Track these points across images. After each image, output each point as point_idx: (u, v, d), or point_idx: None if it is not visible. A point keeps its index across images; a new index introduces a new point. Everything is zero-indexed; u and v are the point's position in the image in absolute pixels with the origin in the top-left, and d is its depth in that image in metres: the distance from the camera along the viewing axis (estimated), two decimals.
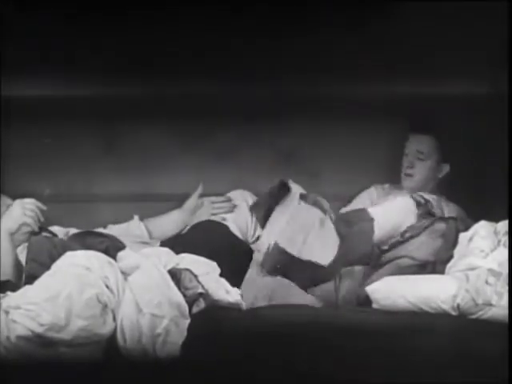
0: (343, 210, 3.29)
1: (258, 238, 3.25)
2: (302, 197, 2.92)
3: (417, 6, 3.00)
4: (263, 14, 3.03)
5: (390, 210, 3.01)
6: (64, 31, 3.03)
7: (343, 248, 2.86)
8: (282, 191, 2.91)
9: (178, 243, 3.02)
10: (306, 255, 2.83)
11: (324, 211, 2.87)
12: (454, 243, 2.84)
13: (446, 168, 3.32)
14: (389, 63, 3.21)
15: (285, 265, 2.83)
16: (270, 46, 3.15)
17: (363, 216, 2.99)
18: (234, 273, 2.74)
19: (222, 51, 3.16)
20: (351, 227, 2.94)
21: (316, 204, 2.90)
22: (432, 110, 3.35)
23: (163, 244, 3.15)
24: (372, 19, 3.05)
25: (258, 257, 2.90)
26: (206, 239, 3.07)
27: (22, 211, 2.86)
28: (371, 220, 2.96)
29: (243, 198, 3.39)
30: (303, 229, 2.85)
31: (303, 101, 3.41)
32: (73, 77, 3.23)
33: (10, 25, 2.91)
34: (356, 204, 3.42)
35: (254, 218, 3.30)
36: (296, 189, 2.93)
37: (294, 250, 2.83)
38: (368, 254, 2.91)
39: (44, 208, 2.89)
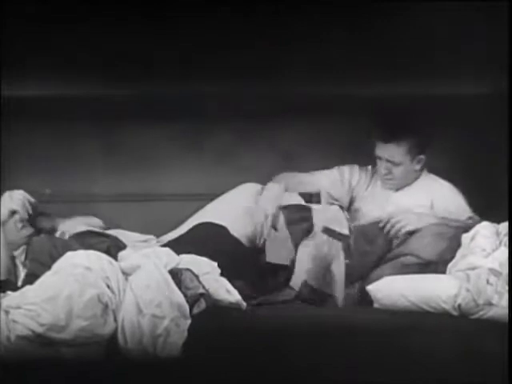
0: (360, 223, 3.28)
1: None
2: (325, 230, 2.98)
3: (417, 6, 3.00)
4: (263, 14, 3.03)
5: None
6: (64, 31, 3.02)
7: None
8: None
9: (176, 245, 3.01)
10: (328, 290, 2.94)
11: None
12: (458, 245, 2.86)
13: (423, 159, 3.28)
14: (388, 63, 3.21)
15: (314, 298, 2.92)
16: (270, 47, 3.15)
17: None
18: (232, 275, 2.74)
19: (222, 51, 3.16)
20: (372, 243, 3.02)
21: (337, 236, 2.98)
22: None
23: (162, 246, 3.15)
24: (372, 19, 3.04)
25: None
26: (205, 241, 3.06)
27: (10, 199, 2.98)
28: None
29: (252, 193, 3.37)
30: (326, 263, 2.95)
31: (303, 101, 3.41)
32: (73, 77, 3.23)
33: (10, 25, 2.91)
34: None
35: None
36: (319, 222, 2.98)
37: (319, 286, 2.92)
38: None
39: (32, 200, 3.03)
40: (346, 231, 3.02)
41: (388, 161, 3.26)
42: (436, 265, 2.89)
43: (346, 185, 3.37)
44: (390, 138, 3.23)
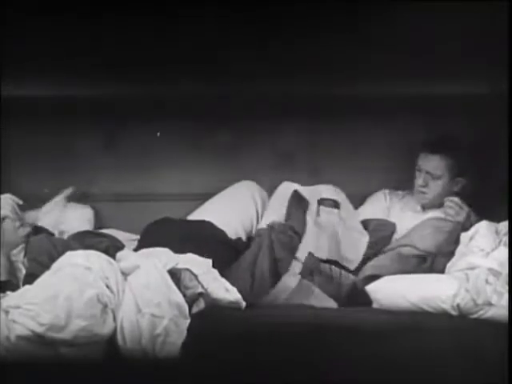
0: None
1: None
2: (321, 202, 3.00)
3: (417, 6, 3.00)
4: (263, 14, 3.03)
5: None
6: (64, 31, 3.02)
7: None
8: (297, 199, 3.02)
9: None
10: (337, 257, 2.97)
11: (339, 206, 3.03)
12: (457, 239, 2.86)
13: (462, 182, 3.26)
14: (388, 63, 3.21)
15: (320, 271, 2.92)
16: (270, 47, 3.15)
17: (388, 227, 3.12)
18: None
19: (221, 51, 3.16)
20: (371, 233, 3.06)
21: (333, 205, 3.01)
22: (433, 110, 3.36)
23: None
24: (372, 19, 3.04)
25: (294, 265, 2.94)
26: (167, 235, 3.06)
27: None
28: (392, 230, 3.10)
29: (249, 190, 3.36)
30: (329, 233, 2.97)
31: (303, 101, 3.41)
32: (73, 77, 3.23)
33: (10, 25, 2.91)
34: (369, 209, 3.40)
35: (260, 212, 3.29)
36: (312, 196, 3.02)
37: (325, 256, 2.94)
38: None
39: (20, 202, 3.07)
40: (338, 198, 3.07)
41: (428, 173, 3.25)
42: (434, 257, 2.90)
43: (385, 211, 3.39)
44: (437, 149, 3.23)
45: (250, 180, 3.39)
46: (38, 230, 3.09)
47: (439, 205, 3.23)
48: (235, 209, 3.24)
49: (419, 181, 3.26)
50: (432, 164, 3.23)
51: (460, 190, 3.25)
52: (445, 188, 3.24)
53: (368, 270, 2.89)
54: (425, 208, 3.30)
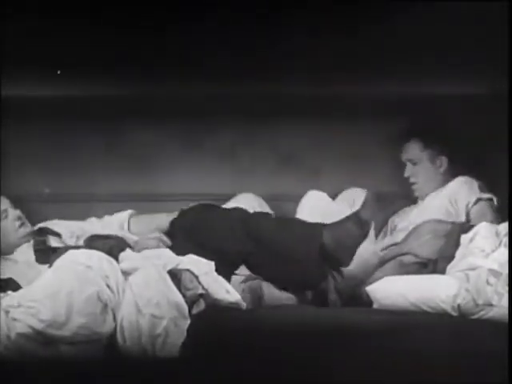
0: None
1: None
2: None
3: (417, 6, 3.00)
4: (262, 14, 3.03)
5: None
6: (64, 31, 3.02)
7: None
8: None
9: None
10: None
11: None
12: (457, 242, 2.86)
13: (445, 160, 3.31)
14: (389, 63, 3.21)
15: None
16: (270, 47, 3.15)
17: None
18: None
19: (221, 51, 3.16)
20: None
21: None
22: (431, 109, 3.36)
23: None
24: (371, 19, 3.04)
25: None
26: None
27: None
28: None
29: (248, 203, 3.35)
30: None
31: (303, 101, 3.41)
32: (72, 77, 3.23)
33: (10, 25, 2.91)
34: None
35: None
36: None
37: None
38: None
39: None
40: None
41: (408, 160, 3.30)
42: (435, 263, 2.90)
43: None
44: (408, 136, 3.30)
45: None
46: (41, 230, 3.08)
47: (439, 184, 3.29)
48: None
49: (406, 173, 3.32)
50: (407, 151, 3.32)
51: (447, 170, 3.29)
52: (429, 171, 3.28)
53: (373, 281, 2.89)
54: (421, 199, 3.33)
